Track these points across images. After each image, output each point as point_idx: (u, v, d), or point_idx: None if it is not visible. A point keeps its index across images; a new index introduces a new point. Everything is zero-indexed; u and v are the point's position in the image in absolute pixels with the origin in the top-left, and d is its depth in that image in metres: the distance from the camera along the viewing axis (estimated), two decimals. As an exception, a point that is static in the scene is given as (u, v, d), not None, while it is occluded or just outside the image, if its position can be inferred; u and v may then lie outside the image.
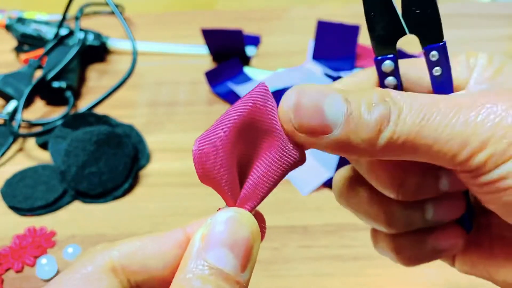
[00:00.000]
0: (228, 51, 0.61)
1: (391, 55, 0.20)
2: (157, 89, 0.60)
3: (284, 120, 0.18)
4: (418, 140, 0.17)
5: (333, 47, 0.61)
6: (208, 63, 0.64)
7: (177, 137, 0.51)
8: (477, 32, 0.69)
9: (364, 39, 0.64)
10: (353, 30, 0.60)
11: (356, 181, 0.24)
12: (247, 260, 0.18)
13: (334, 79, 0.55)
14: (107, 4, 0.60)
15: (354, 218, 0.41)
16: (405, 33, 0.20)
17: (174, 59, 0.65)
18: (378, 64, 0.20)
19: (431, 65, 0.20)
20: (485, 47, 0.66)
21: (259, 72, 0.61)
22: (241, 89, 0.56)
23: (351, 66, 0.60)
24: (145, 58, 0.64)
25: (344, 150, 0.18)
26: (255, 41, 0.67)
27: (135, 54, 0.55)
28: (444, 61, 0.20)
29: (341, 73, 0.57)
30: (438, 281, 0.36)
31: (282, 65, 0.62)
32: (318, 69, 0.60)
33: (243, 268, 0.18)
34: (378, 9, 0.19)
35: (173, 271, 0.19)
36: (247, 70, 0.61)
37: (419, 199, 0.22)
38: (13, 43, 0.66)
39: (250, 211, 0.20)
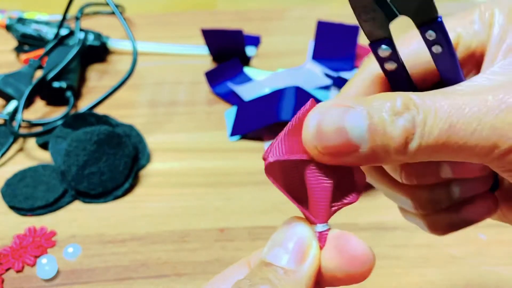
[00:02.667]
0: (228, 51, 0.61)
1: (385, 39, 0.19)
2: (157, 89, 0.60)
3: (309, 147, 0.18)
4: (446, 147, 0.17)
5: (333, 47, 0.61)
6: (208, 64, 0.64)
7: (177, 137, 0.51)
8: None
9: (364, 39, 0.64)
10: (353, 30, 0.60)
11: (377, 169, 0.24)
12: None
13: (334, 79, 0.55)
14: (107, 4, 0.60)
15: (355, 217, 0.41)
16: (395, 15, 0.18)
17: (175, 59, 0.65)
18: (374, 49, 0.20)
19: (429, 44, 0.19)
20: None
21: (259, 73, 0.61)
22: (241, 90, 0.56)
23: (351, 66, 0.60)
24: (145, 58, 0.64)
25: (375, 163, 0.18)
26: (255, 41, 0.67)
27: (135, 54, 0.55)
28: (443, 39, 0.19)
29: (341, 73, 0.57)
30: (437, 280, 0.37)
31: (282, 65, 0.62)
32: (318, 69, 0.60)
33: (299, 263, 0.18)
34: None
35: None
36: (247, 70, 0.61)
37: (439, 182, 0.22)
38: (14, 43, 0.66)
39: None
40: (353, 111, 0.17)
